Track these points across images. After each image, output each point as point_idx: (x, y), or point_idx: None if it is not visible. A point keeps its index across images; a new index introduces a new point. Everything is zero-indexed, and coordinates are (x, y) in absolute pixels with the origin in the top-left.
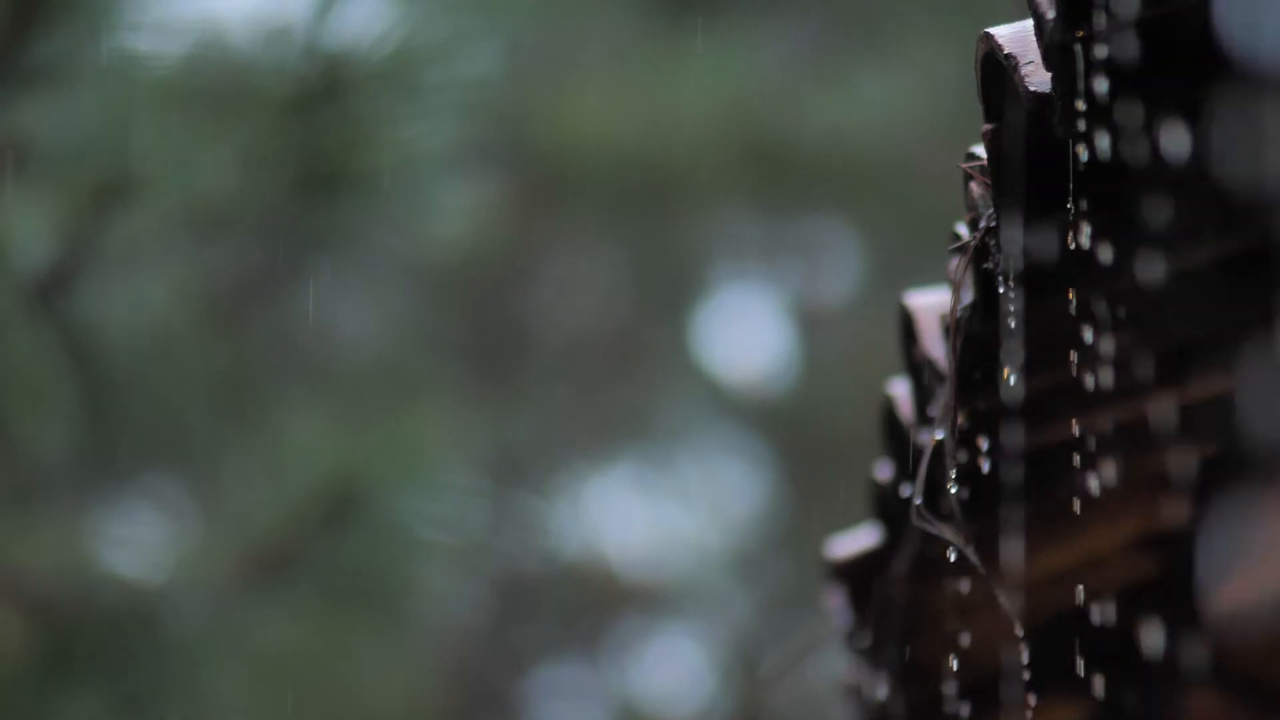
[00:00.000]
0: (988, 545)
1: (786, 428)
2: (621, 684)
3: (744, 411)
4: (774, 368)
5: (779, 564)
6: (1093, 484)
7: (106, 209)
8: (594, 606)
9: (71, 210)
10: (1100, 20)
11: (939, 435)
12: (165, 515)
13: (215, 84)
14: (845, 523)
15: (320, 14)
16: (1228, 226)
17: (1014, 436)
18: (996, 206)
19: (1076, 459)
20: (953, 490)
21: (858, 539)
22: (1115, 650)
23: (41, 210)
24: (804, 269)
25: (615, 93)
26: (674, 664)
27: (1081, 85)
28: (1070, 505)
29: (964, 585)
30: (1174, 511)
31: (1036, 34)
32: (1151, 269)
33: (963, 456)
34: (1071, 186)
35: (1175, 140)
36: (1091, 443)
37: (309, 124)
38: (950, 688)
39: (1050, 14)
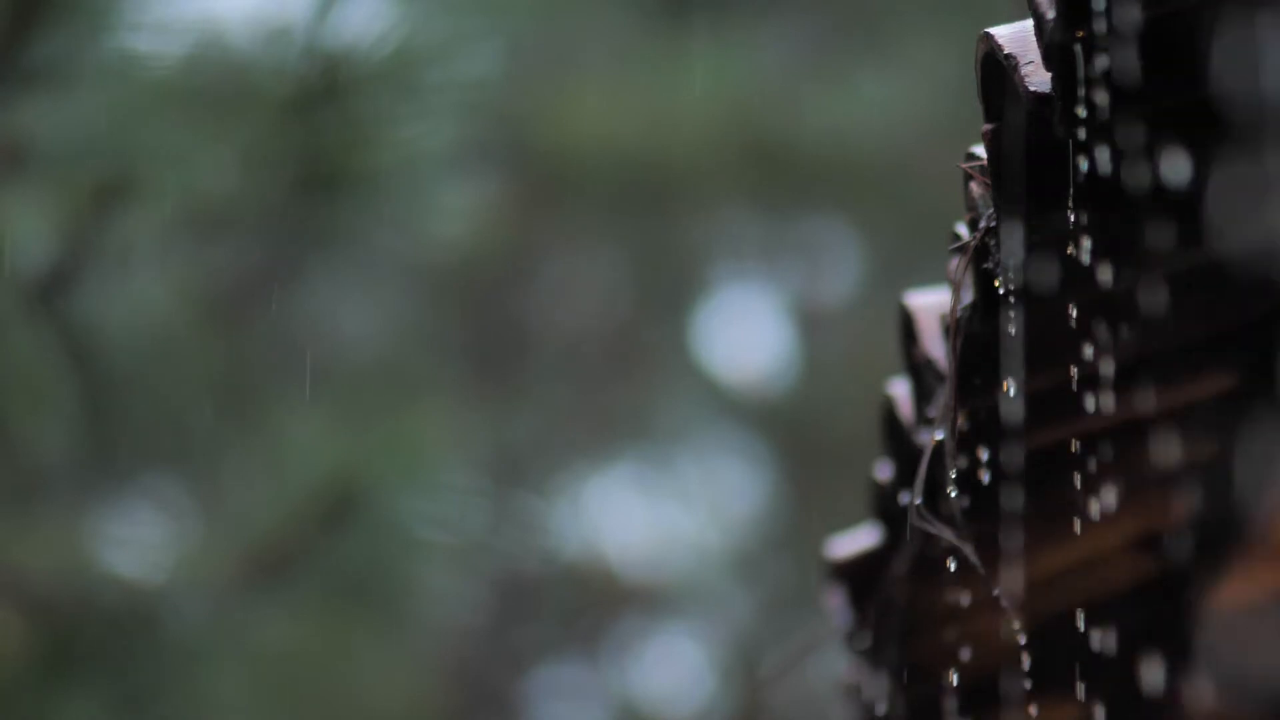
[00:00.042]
0: (988, 546)
1: (786, 428)
2: (621, 684)
3: (744, 411)
4: (774, 368)
5: (779, 564)
6: (1092, 484)
7: (106, 209)
8: (594, 606)
9: (71, 210)
10: (1100, 20)
11: (939, 435)
12: (165, 515)
13: (215, 84)
14: (845, 523)
15: (320, 14)
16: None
17: (1014, 437)
18: (996, 206)
19: (1076, 459)
20: (952, 495)
21: (858, 539)
22: (1115, 650)
23: (41, 210)
24: (804, 269)
25: (615, 93)
26: (674, 664)
27: (1082, 85)
28: (1070, 505)
29: (964, 585)
30: (1174, 512)
31: (1036, 34)
32: (1152, 269)
33: (962, 462)
34: (1071, 187)
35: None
36: (1091, 443)
37: (309, 124)
38: (950, 688)
39: (1050, 14)
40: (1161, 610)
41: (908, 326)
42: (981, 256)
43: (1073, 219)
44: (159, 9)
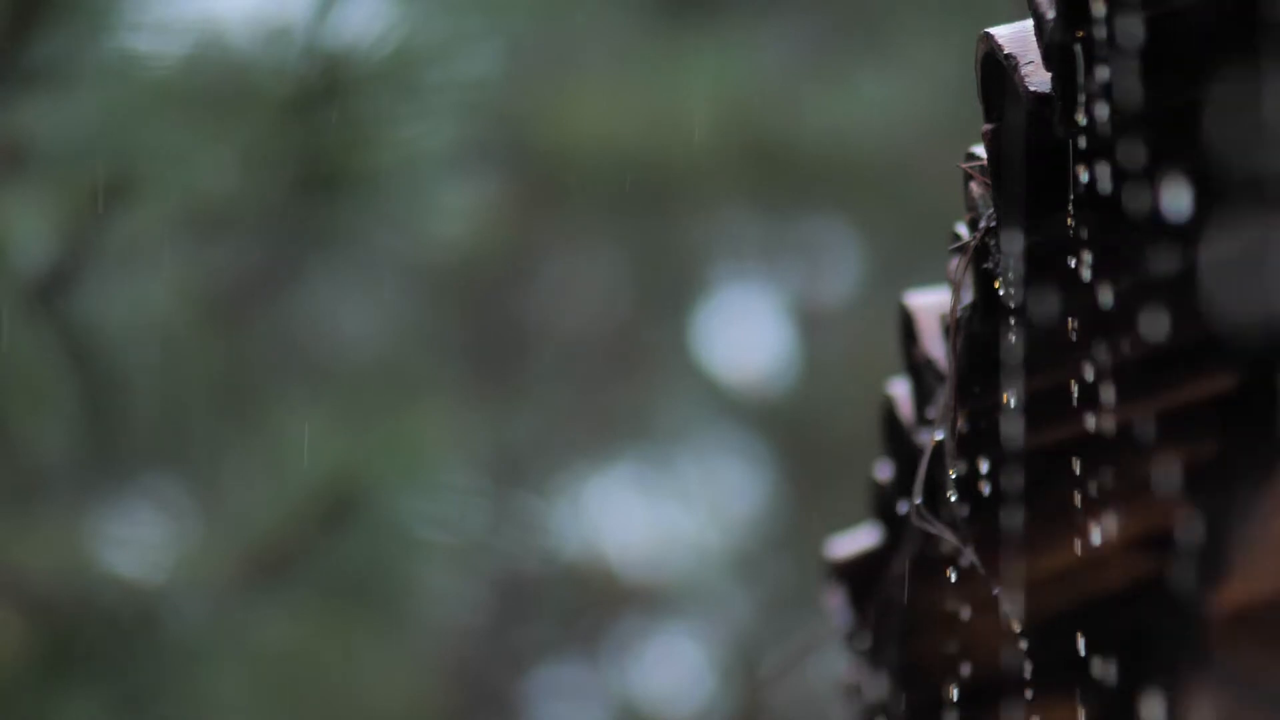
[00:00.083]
0: (987, 545)
1: (786, 428)
2: (621, 684)
3: (744, 411)
4: (774, 368)
5: (779, 564)
6: (1092, 484)
7: (106, 209)
8: (594, 606)
9: (71, 210)
10: (1099, 20)
11: (939, 435)
12: (165, 515)
13: (215, 84)
14: (845, 523)
15: (320, 14)
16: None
17: (1013, 437)
18: (996, 206)
19: (1076, 459)
20: (952, 499)
21: (858, 539)
22: (1115, 651)
23: (41, 210)
24: (804, 269)
25: (615, 93)
26: (674, 664)
27: (1081, 86)
28: (1070, 505)
29: (964, 585)
30: (1173, 512)
31: (1036, 34)
32: (1151, 268)
33: (962, 468)
34: (1071, 187)
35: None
36: (1091, 443)
37: (309, 124)
38: (950, 688)
39: (1050, 14)
40: (1162, 611)
41: (908, 326)
42: (981, 256)
43: (1072, 220)
44: (159, 9)
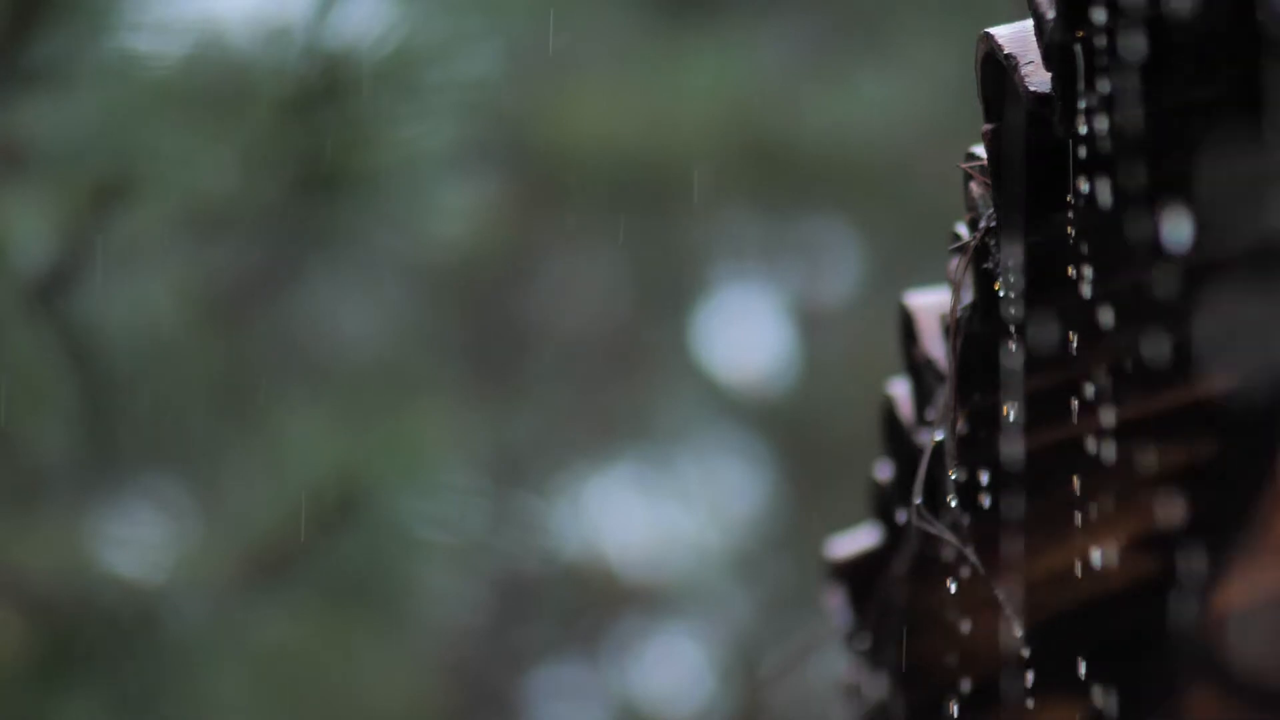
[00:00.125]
0: (987, 545)
1: (786, 428)
2: (621, 684)
3: (744, 411)
4: (774, 368)
5: (779, 564)
6: (1092, 484)
7: (106, 209)
8: (594, 606)
9: (71, 210)
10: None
11: (939, 435)
12: (165, 515)
13: (215, 84)
14: (845, 523)
15: (320, 14)
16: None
17: (1013, 437)
18: (996, 206)
19: (1076, 459)
20: (952, 504)
21: (858, 539)
22: (1115, 650)
23: (41, 210)
24: (804, 269)
25: (615, 93)
26: (674, 664)
27: (1082, 85)
28: (1069, 505)
29: (964, 585)
30: (1173, 512)
31: (1036, 34)
32: (1151, 268)
33: (961, 470)
34: (1071, 187)
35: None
36: (1091, 443)
37: (309, 124)
38: (950, 688)
39: (1050, 14)
40: (1162, 611)
41: (908, 326)
42: (981, 256)
43: (1072, 214)
44: (159, 9)
